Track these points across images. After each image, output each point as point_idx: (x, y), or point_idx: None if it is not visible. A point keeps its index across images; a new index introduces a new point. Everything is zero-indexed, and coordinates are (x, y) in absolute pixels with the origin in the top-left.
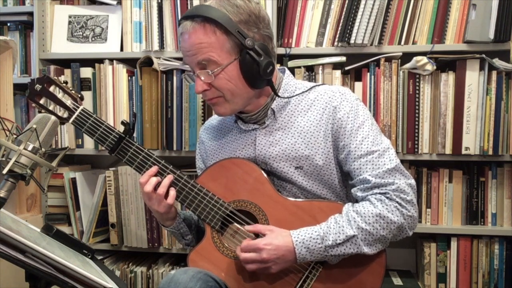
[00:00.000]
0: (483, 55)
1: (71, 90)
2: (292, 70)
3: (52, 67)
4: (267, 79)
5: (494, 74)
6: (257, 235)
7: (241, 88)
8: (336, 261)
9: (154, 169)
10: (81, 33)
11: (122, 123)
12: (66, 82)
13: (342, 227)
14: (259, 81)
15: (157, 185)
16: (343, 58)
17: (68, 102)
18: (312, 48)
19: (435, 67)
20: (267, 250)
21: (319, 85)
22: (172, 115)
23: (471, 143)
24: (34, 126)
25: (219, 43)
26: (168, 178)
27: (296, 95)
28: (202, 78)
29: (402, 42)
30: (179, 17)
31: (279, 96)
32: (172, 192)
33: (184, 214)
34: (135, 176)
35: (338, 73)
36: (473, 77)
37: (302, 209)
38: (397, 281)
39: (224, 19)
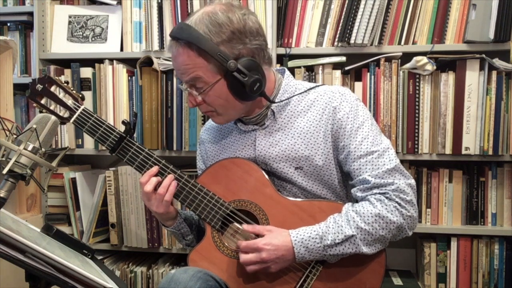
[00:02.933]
0: (483, 55)
1: (72, 90)
2: (292, 70)
3: (52, 67)
4: (257, 94)
5: (494, 74)
6: (256, 235)
7: (232, 103)
8: (335, 260)
9: (155, 169)
10: (81, 33)
11: (123, 122)
12: (67, 82)
13: (341, 226)
14: (249, 97)
15: (158, 185)
16: (343, 58)
17: (69, 102)
18: (312, 48)
19: (435, 67)
20: (266, 250)
21: (319, 85)
22: (172, 115)
23: (471, 143)
24: (34, 126)
25: (203, 64)
26: (169, 178)
27: (295, 95)
28: (193, 95)
29: (402, 42)
30: (179, 17)
31: (274, 102)
32: (172, 187)
33: (185, 214)
34: (135, 176)
35: (338, 73)
36: (473, 77)
37: (302, 209)
38: (397, 281)
39: (204, 43)
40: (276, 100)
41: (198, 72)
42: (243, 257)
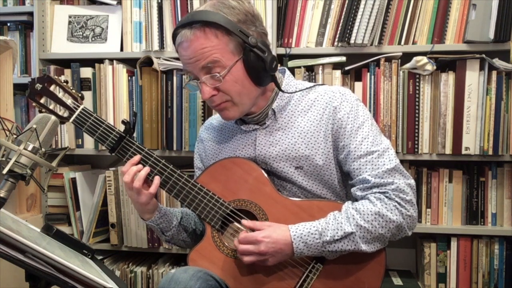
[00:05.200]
0: (483, 55)
1: (71, 89)
2: (292, 70)
3: (52, 67)
4: (272, 74)
5: (494, 74)
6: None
7: (248, 87)
8: (333, 257)
9: (137, 157)
10: (81, 33)
11: (123, 122)
12: (66, 82)
13: (341, 223)
14: (265, 78)
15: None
16: (343, 58)
17: (69, 101)
18: (312, 48)
19: (435, 67)
20: (265, 243)
21: (319, 85)
22: (172, 115)
23: (471, 143)
24: (34, 126)
25: (221, 45)
26: (145, 171)
27: (299, 90)
28: (209, 83)
29: (402, 42)
30: (179, 17)
31: (282, 91)
32: (156, 181)
33: (184, 212)
34: None
35: (338, 73)
36: (473, 77)
37: (302, 209)
38: (397, 281)
39: (224, 21)
40: (277, 101)
41: (216, 55)
42: (241, 247)
